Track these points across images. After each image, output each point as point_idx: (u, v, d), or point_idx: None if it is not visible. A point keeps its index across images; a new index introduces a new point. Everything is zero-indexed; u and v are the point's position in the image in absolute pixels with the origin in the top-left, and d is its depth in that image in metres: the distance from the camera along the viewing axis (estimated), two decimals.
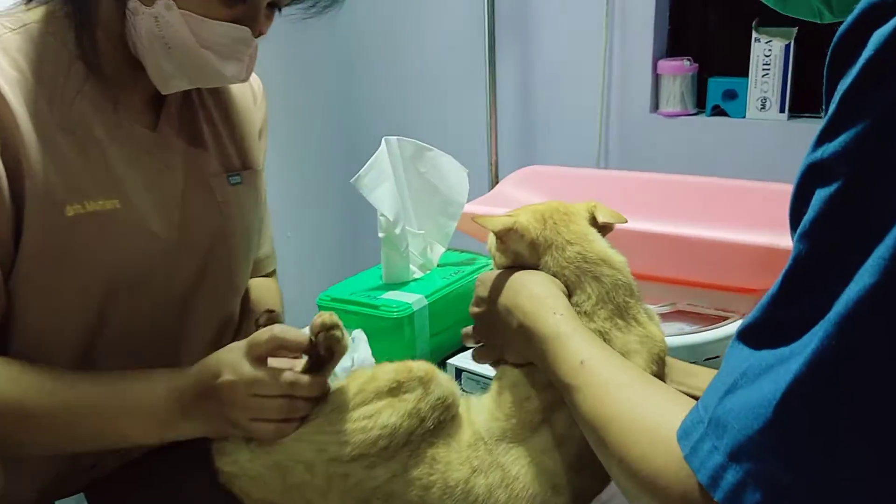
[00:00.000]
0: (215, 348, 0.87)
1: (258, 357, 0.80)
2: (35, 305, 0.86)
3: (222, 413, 0.79)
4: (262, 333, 0.80)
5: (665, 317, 1.23)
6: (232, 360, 0.80)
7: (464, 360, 1.16)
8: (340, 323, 0.82)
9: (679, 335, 1.15)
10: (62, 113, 0.86)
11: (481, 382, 1.13)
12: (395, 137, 1.25)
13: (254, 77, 1.12)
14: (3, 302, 0.84)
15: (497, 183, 1.86)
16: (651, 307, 1.23)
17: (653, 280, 1.30)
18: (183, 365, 0.93)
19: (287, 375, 0.79)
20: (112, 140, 0.90)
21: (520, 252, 0.85)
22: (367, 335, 1.17)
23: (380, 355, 1.17)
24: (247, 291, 1.14)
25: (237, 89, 1.09)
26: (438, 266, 1.33)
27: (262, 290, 1.17)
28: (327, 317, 0.80)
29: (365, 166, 1.18)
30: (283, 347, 0.80)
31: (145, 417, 0.82)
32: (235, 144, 1.06)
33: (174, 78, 0.91)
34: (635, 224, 1.24)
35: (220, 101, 1.06)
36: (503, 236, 0.85)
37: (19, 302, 0.85)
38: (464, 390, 1.15)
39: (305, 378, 0.79)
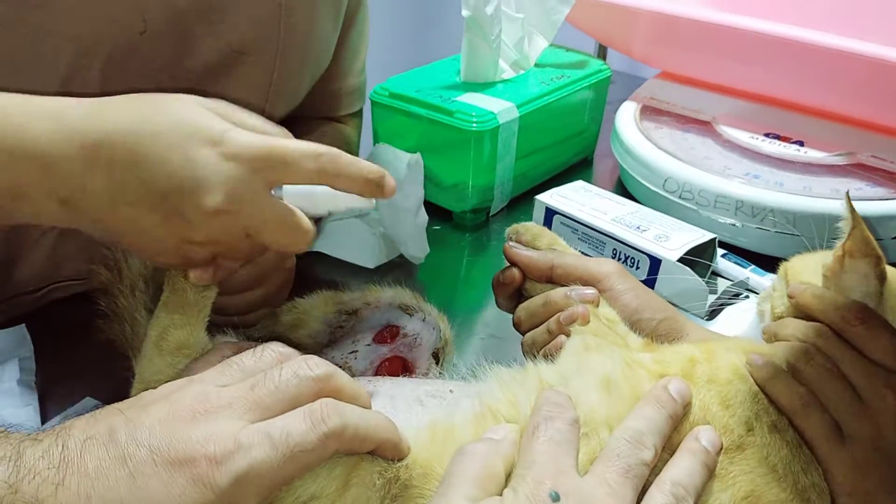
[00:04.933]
0: None
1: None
2: None
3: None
4: None
5: (837, 170, 0.90)
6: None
7: (556, 197, 0.87)
8: None
9: (857, 200, 0.83)
10: None
11: (579, 231, 0.83)
12: None
13: None
14: None
15: None
16: (820, 155, 0.91)
17: (823, 117, 0.96)
18: None
19: None
20: None
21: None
22: (433, 149, 0.88)
23: (449, 176, 0.89)
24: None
25: None
26: (536, 66, 1.00)
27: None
28: None
29: None
30: None
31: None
32: None
33: None
34: (799, 30, 0.88)
35: None
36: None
37: None
38: None
39: None
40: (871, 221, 0.82)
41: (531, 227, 0.66)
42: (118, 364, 0.58)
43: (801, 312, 0.52)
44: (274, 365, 0.41)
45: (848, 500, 0.44)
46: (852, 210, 0.50)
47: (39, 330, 0.65)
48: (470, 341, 0.73)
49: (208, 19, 0.66)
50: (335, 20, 0.79)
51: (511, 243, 0.64)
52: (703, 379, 0.48)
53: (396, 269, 0.81)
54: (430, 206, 0.90)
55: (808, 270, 0.55)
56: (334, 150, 0.48)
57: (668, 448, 0.43)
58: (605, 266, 0.60)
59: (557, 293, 0.58)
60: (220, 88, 0.69)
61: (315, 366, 0.40)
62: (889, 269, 0.52)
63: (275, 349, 0.42)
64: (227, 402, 0.38)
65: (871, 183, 0.88)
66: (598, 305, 0.56)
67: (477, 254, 0.90)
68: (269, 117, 0.74)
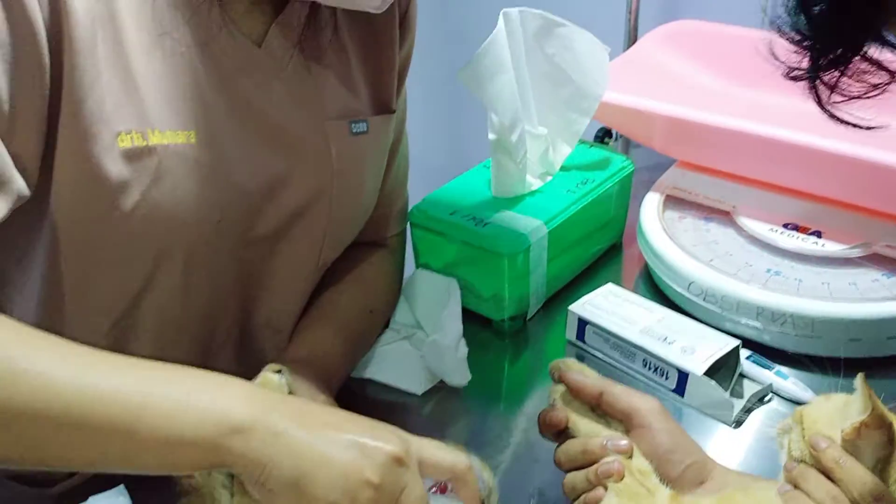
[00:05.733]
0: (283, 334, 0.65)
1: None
2: (66, 264, 0.67)
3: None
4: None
5: (854, 262, 0.95)
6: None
7: (587, 307, 0.93)
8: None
9: (873, 301, 0.88)
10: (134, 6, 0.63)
11: (611, 341, 0.90)
12: (517, 9, 0.96)
13: None
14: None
15: (635, 41, 1.54)
16: (838, 248, 0.96)
17: (839, 206, 1.01)
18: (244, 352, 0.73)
19: None
20: (199, 50, 0.67)
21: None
22: (470, 265, 0.95)
23: (486, 290, 0.96)
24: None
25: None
26: (562, 169, 1.07)
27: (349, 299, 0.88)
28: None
29: (476, 53, 0.90)
30: None
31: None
32: (368, 83, 0.82)
33: None
34: (810, 134, 0.94)
35: (356, 22, 0.79)
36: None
37: (48, 257, 0.66)
38: (587, 346, 0.93)
39: None
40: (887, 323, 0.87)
41: (573, 365, 0.73)
42: None
43: (821, 466, 0.58)
44: None
45: None
46: (868, 391, 0.56)
47: (130, 481, 0.73)
48: (509, 463, 0.80)
49: (272, 194, 0.74)
50: (381, 167, 0.87)
51: (564, 369, 0.70)
52: None
53: (440, 391, 0.88)
54: (470, 314, 0.97)
55: (824, 420, 0.60)
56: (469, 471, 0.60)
57: None
58: (648, 402, 0.67)
59: (595, 443, 0.65)
60: (279, 247, 0.78)
61: None
62: None
63: None
64: None
65: (886, 273, 0.93)
66: (631, 456, 0.63)
67: (517, 358, 0.97)
68: (324, 264, 0.82)
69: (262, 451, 0.52)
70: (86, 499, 0.71)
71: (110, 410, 0.51)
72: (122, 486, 0.72)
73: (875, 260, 0.94)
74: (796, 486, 0.59)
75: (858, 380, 0.58)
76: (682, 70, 1.27)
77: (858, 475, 0.56)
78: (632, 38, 1.55)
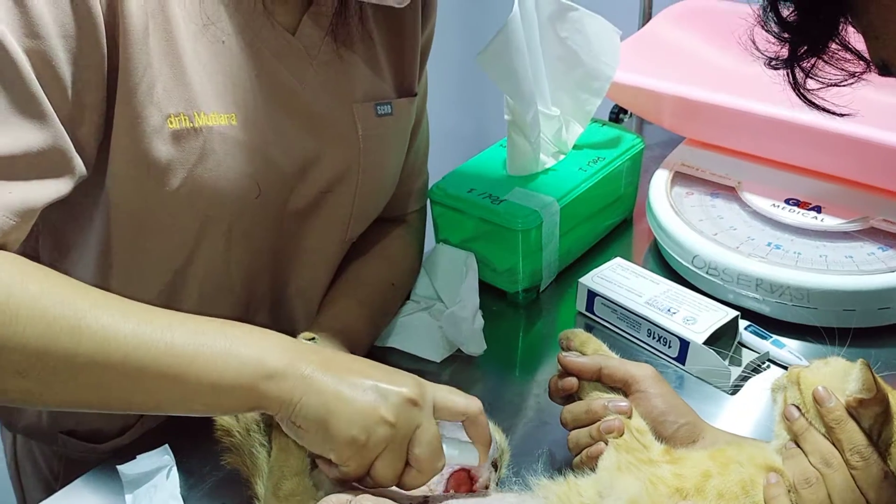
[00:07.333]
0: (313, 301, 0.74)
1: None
2: (120, 233, 0.74)
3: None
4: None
5: (851, 236, 0.99)
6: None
7: (597, 279, 0.99)
8: None
9: (867, 274, 0.93)
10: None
11: (618, 312, 0.96)
12: None
13: None
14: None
15: (649, 19, 1.57)
16: (836, 222, 1.01)
17: (840, 182, 1.05)
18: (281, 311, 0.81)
19: None
20: (240, 38, 0.73)
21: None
22: (486, 240, 1.01)
23: (501, 263, 1.02)
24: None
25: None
26: (575, 148, 1.12)
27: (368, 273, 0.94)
28: None
29: (492, 39, 0.95)
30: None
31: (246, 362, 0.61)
32: (392, 67, 0.87)
33: None
34: (805, 115, 0.96)
35: (382, 11, 0.84)
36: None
37: (105, 226, 0.73)
38: (596, 316, 0.99)
39: None
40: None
41: (579, 335, 0.79)
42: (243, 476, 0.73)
43: (821, 421, 0.62)
44: None
45: None
46: (870, 373, 0.60)
47: (174, 440, 0.81)
48: (521, 425, 0.86)
49: (305, 172, 0.81)
50: (404, 145, 0.92)
51: (563, 353, 0.77)
52: (713, 493, 0.60)
53: (458, 359, 0.95)
54: (486, 286, 1.03)
55: (822, 384, 0.64)
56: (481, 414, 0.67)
57: None
58: (642, 370, 0.73)
59: (597, 404, 0.71)
60: (310, 222, 0.84)
61: None
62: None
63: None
64: None
65: (882, 246, 0.97)
66: (630, 416, 0.69)
67: (530, 329, 1.03)
68: (351, 238, 0.89)
69: (293, 392, 0.59)
70: (134, 456, 0.79)
71: (164, 361, 0.58)
72: (166, 446, 0.80)
73: (872, 234, 0.99)
74: (796, 443, 0.63)
75: (860, 365, 0.61)
76: (694, 48, 1.31)
77: (855, 437, 0.60)
78: (646, 17, 1.59)
